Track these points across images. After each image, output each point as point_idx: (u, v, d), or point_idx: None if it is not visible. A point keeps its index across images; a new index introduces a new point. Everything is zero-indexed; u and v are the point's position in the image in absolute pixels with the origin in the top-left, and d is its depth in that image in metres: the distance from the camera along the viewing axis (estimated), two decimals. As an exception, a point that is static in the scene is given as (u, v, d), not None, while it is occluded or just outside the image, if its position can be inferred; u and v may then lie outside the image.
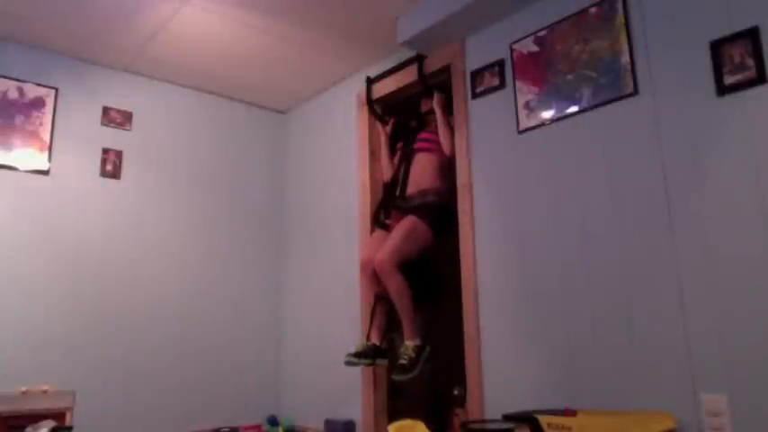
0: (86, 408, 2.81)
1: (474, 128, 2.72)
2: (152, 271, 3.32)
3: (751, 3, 1.88)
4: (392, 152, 3.18)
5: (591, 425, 1.84)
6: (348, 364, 2.69)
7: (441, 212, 2.73)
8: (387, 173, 3.16)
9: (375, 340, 2.78)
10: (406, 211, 2.79)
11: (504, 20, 2.66)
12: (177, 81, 3.58)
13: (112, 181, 3.26)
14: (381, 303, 2.82)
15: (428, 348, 2.65)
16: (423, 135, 2.95)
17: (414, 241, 2.66)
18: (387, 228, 2.87)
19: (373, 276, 2.73)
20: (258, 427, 3.42)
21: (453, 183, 2.76)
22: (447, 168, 2.84)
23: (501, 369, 2.43)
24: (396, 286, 2.60)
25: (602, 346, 2.12)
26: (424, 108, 3.06)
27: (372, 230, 3.05)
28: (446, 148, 2.81)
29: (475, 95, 2.73)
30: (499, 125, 2.60)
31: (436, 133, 2.89)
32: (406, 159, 2.95)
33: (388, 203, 2.97)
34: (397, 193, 2.91)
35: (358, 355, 2.69)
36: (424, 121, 3.06)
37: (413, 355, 2.57)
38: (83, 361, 3.00)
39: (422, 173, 2.84)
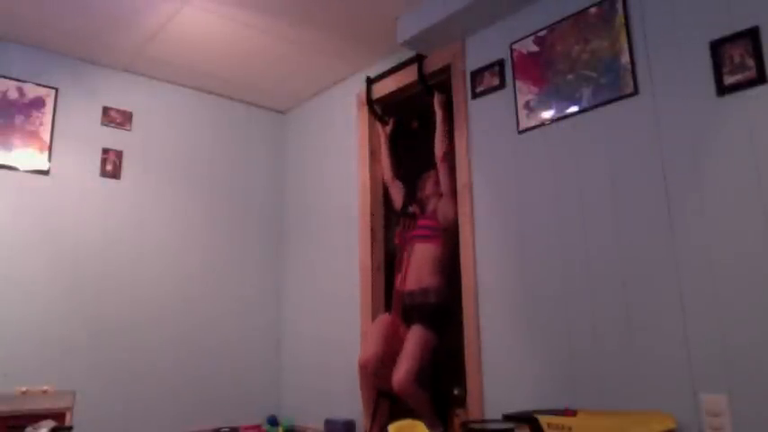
0: (86, 408, 2.81)
1: (474, 128, 2.72)
2: (152, 271, 3.32)
3: (751, 3, 1.88)
4: (392, 151, 3.19)
5: (591, 425, 1.84)
6: None
7: (443, 314, 2.71)
8: (386, 173, 3.17)
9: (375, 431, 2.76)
10: (408, 311, 2.78)
11: (504, 20, 2.66)
12: (177, 81, 3.58)
13: (112, 181, 3.26)
14: (384, 400, 2.79)
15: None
16: (422, 222, 2.89)
17: (425, 352, 2.63)
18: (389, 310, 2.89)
19: (372, 375, 2.71)
20: (258, 427, 3.42)
21: (452, 274, 2.73)
22: (447, 260, 2.79)
23: (501, 369, 2.43)
24: (418, 401, 2.58)
25: (602, 347, 2.12)
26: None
27: (374, 314, 3.04)
28: (439, 151, 2.82)
29: (475, 95, 2.73)
30: (499, 125, 2.60)
31: (435, 219, 2.84)
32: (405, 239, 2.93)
33: (391, 293, 2.97)
34: (397, 283, 2.88)
35: None
36: (425, 121, 3.06)
37: None
38: (83, 361, 3.00)
39: (422, 268, 2.79)
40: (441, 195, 2.87)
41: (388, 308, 2.93)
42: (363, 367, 2.73)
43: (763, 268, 1.77)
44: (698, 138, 1.96)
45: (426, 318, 2.69)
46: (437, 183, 2.90)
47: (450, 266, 2.78)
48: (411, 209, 2.98)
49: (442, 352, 2.70)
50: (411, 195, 3.06)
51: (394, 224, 3.20)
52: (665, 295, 1.97)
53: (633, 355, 2.02)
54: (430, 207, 2.94)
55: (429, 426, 2.61)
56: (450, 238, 2.79)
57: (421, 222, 2.90)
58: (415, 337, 2.63)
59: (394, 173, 3.16)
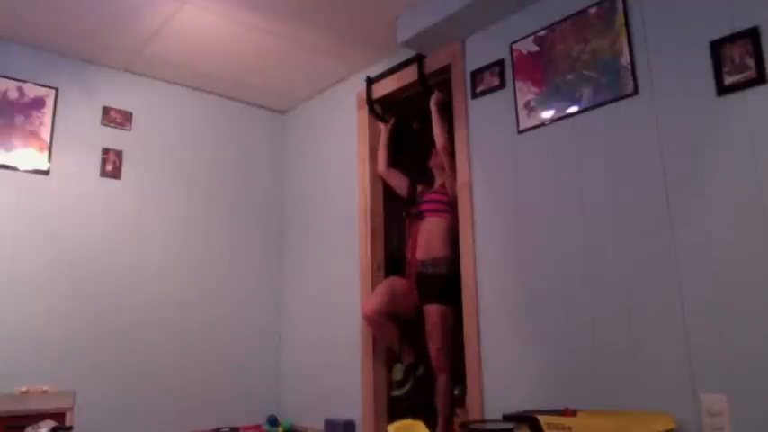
0: (86, 408, 2.80)
1: (474, 128, 2.72)
2: (152, 271, 3.32)
3: (751, 3, 1.88)
4: (390, 147, 3.23)
5: (591, 425, 1.84)
6: (398, 394, 2.90)
7: (454, 285, 2.74)
8: (381, 165, 3.21)
9: (409, 358, 2.93)
10: (420, 281, 2.86)
11: (504, 20, 2.66)
12: (177, 81, 3.58)
13: (112, 181, 3.26)
14: (406, 328, 2.94)
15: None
16: (431, 196, 2.97)
17: (448, 328, 2.75)
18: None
19: (378, 323, 2.90)
20: (258, 427, 3.42)
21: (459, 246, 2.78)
22: (455, 232, 2.81)
23: (501, 369, 2.43)
24: (445, 379, 2.72)
25: (602, 346, 2.12)
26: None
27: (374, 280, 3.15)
28: (439, 144, 2.87)
29: (475, 95, 2.73)
30: (499, 125, 2.60)
31: (445, 194, 2.91)
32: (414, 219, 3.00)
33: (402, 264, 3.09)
34: (409, 253, 2.97)
35: (401, 382, 2.89)
36: (426, 121, 3.07)
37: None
38: (83, 361, 2.99)
39: (432, 240, 2.86)
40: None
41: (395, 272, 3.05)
42: (366, 318, 2.94)
43: (764, 268, 1.76)
44: (698, 138, 1.96)
45: (439, 293, 2.78)
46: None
47: (458, 239, 2.83)
48: (415, 210, 3.01)
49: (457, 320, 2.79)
50: (416, 178, 3.15)
51: (394, 220, 3.27)
52: (665, 295, 1.97)
53: (633, 354, 2.02)
54: (439, 180, 3.02)
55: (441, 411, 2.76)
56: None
57: (431, 197, 2.97)
58: (434, 318, 2.75)
59: (389, 163, 3.21)
